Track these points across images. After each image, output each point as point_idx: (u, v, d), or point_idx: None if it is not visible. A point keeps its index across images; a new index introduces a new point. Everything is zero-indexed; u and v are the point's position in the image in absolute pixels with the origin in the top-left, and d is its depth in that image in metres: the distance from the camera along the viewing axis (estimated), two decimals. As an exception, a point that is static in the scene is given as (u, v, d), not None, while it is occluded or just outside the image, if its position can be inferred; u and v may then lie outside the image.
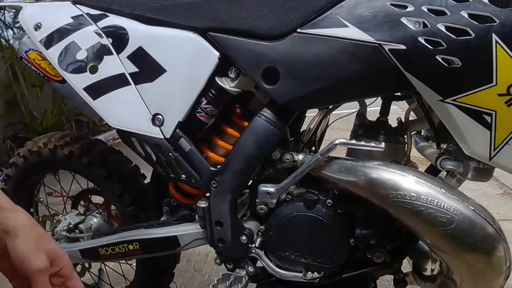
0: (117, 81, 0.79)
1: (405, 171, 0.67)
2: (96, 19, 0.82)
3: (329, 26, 0.64)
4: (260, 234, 0.83)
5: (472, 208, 0.63)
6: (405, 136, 0.82)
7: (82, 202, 1.13)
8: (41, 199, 1.18)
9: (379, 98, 0.82)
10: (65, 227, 1.03)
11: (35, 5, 0.91)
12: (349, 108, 0.97)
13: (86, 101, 0.81)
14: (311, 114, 0.90)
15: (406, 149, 0.82)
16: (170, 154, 0.79)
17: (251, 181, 0.82)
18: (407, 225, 0.68)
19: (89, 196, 1.12)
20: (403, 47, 0.58)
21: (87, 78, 0.80)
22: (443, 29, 0.56)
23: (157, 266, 1.11)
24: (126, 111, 0.81)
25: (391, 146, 0.78)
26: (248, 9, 0.72)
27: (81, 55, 0.81)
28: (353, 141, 0.70)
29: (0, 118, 3.30)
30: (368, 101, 0.90)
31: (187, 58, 0.75)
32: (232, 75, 0.74)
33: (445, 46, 0.56)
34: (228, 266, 0.86)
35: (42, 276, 0.43)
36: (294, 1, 0.69)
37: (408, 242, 0.78)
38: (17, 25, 3.48)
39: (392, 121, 0.85)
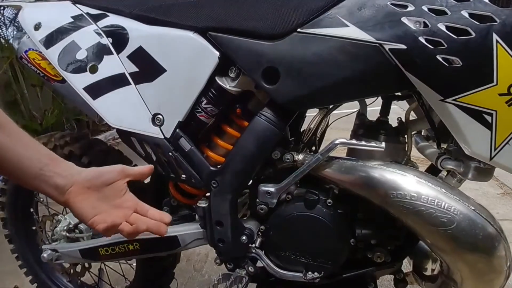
0: (117, 81, 0.79)
1: (406, 171, 0.67)
2: (96, 18, 0.82)
3: (330, 25, 0.63)
4: (260, 234, 0.83)
5: (473, 208, 0.63)
6: (406, 136, 0.82)
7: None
8: (41, 199, 1.18)
9: (379, 98, 0.82)
10: (65, 227, 1.02)
11: (35, 5, 0.91)
12: (349, 108, 0.97)
13: (86, 101, 0.81)
14: (311, 114, 0.90)
15: (406, 149, 0.82)
16: (170, 154, 0.78)
17: (251, 181, 0.82)
18: (408, 225, 0.68)
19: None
20: (404, 46, 0.58)
21: (87, 78, 0.80)
22: (444, 28, 0.56)
23: (157, 266, 1.10)
24: (126, 111, 0.80)
25: (391, 146, 0.77)
26: (248, 9, 0.72)
27: (81, 55, 0.81)
28: (353, 141, 0.70)
29: (0, 118, 3.30)
30: (368, 101, 0.90)
31: (187, 58, 0.75)
32: (232, 75, 0.74)
33: (446, 45, 0.56)
34: (228, 266, 0.86)
35: None
36: (294, 1, 0.69)
37: (409, 242, 0.78)
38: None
39: (392, 121, 0.85)
